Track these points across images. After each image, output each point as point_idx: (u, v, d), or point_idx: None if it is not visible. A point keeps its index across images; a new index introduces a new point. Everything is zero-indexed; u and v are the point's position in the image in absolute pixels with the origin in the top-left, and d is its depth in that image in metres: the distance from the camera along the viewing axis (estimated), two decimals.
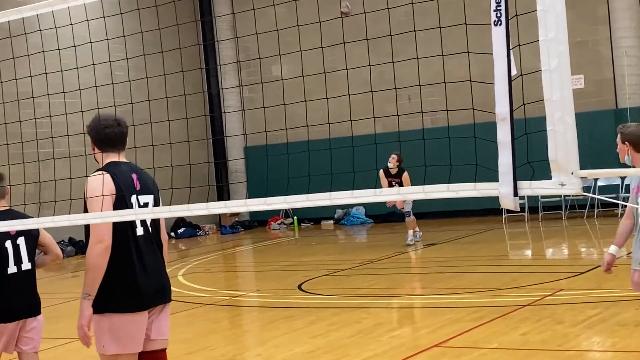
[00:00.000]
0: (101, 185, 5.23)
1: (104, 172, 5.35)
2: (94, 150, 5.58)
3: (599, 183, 20.29)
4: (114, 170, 5.39)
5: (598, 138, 19.00)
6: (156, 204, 5.57)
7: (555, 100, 3.34)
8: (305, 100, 5.99)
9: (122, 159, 5.57)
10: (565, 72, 3.37)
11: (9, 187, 6.83)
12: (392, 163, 17.26)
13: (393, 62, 5.38)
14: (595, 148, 16.97)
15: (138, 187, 5.46)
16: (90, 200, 5.22)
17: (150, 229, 5.51)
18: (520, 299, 10.75)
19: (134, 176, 5.49)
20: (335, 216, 25.65)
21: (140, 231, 5.43)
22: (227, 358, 9.26)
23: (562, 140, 3.35)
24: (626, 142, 6.41)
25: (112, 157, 5.52)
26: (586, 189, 3.47)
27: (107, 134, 5.48)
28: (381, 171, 17.14)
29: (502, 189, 3.48)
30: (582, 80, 20.43)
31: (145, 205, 5.48)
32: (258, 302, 13.45)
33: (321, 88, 5.95)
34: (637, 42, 21.39)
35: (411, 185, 15.64)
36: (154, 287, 5.49)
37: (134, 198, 5.41)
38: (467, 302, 11.04)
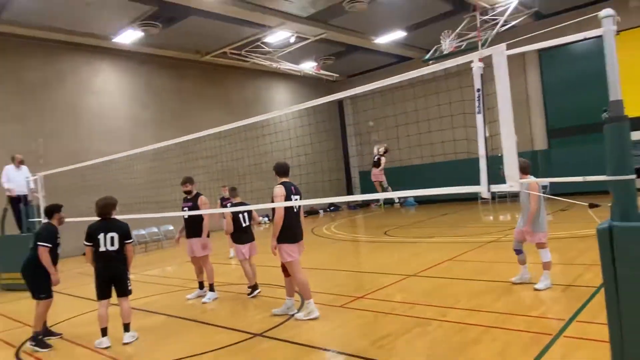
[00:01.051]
0: (282, 190, 5.51)
1: (281, 185, 5.60)
2: (276, 175, 5.73)
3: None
4: (285, 184, 5.61)
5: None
6: (301, 199, 5.67)
7: (507, 147, 3.27)
8: (395, 149, 5.95)
9: (287, 179, 5.72)
10: (512, 133, 3.30)
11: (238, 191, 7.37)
12: (375, 153, 12.33)
13: (438, 129, 5.29)
14: None
15: (294, 191, 5.62)
16: (276, 198, 5.47)
17: (298, 209, 5.67)
18: (488, 239, 10.31)
19: (292, 187, 5.65)
20: (400, 200, 24.93)
21: (295, 209, 5.60)
22: (353, 265, 9.28)
23: (510, 165, 3.27)
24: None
25: (284, 179, 5.70)
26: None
27: (282, 168, 5.71)
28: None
29: (483, 188, 3.42)
30: (515, 136, 19.34)
31: (297, 199, 5.58)
32: (365, 239, 13.31)
33: (395, 142, 5.93)
34: (541, 118, 20.02)
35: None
36: (299, 233, 5.65)
37: (292, 197, 5.56)
38: (463, 240, 10.64)
